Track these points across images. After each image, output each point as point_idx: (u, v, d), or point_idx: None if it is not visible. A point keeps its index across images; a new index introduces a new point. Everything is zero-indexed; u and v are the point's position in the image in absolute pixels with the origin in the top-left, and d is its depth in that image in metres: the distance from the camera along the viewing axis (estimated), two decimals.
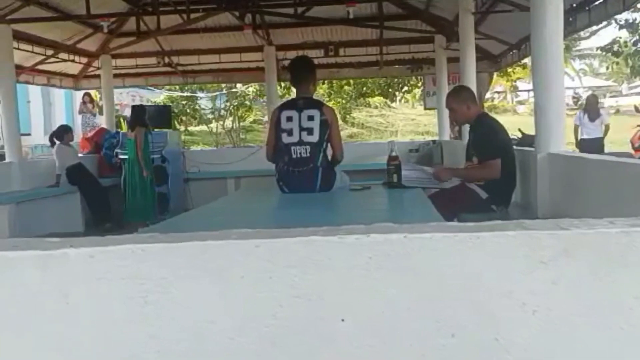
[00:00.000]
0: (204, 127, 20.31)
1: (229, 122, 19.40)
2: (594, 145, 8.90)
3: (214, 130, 19.32)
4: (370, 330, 0.84)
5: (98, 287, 0.84)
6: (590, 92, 18.13)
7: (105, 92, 9.46)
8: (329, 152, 3.53)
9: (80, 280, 0.84)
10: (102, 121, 9.95)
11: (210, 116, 20.41)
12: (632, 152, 9.67)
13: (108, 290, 0.84)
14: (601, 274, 0.80)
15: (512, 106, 29.15)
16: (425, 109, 10.77)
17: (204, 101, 20.91)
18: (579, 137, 9.41)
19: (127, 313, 0.84)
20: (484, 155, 3.70)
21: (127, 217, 6.73)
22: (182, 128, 18.79)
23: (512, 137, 8.68)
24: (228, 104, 19.89)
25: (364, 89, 20.67)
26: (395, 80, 16.89)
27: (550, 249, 0.81)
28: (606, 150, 9.21)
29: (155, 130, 7.23)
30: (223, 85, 18.66)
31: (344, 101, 21.45)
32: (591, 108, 9.63)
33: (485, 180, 3.68)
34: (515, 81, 21.60)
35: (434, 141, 8.27)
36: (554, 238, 0.81)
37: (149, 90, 17.99)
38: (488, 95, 19.91)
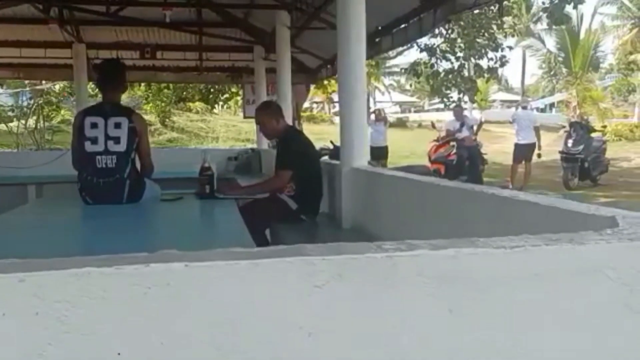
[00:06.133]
0: (2, 127, 18.31)
1: (32, 122, 17.71)
2: (381, 152, 11.06)
3: (15, 130, 17.49)
4: None
5: None
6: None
7: None
8: (138, 162, 3.38)
9: None
10: None
11: (10, 114, 18.50)
12: (429, 164, 10.68)
13: None
14: (369, 296, 0.86)
15: (329, 117, 30.65)
16: (245, 117, 10.82)
17: (3, 97, 18.90)
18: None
19: None
20: (276, 167, 3.89)
21: None
22: None
23: (324, 147, 9.10)
24: (32, 101, 18.18)
25: (184, 93, 20.29)
26: (216, 87, 16.80)
27: (325, 273, 0.85)
28: (406, 162, 11.42)
29: None
30: (27, 81, 17.01)
31: (163, 104, 20.83)
32: (378, 119, 12.08)
33: (274, 191, 3.85)
34: (331, 93, 22.72)
35: (252, 149, 8.34)
36: (328, 263, 0.86)
37: None
38: (307, 105, 20.70)
